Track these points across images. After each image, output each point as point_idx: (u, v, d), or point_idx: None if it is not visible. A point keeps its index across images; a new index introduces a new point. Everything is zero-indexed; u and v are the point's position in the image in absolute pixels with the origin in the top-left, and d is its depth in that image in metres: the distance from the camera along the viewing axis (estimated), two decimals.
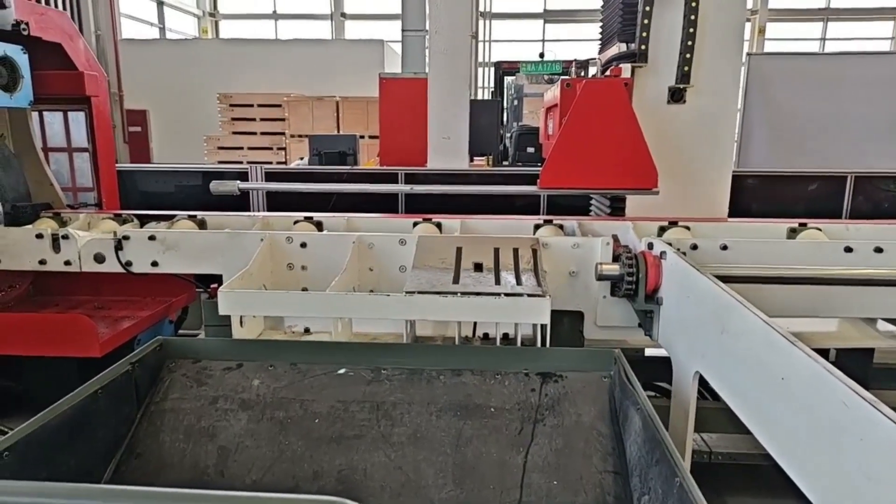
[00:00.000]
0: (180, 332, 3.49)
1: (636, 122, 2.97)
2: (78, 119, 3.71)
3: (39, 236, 2.72)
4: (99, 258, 2.66)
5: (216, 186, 3.74)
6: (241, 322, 2.25)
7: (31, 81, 3.03)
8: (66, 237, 2.69)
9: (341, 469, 1.88)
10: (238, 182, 3.73)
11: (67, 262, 2.70)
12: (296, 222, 2.88)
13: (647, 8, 3.06)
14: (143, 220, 3.01)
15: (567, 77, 3.34)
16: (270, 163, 11.66)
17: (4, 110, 3.30)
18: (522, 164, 7.95)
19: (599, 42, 3.80)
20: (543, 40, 21.41)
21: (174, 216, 2.95)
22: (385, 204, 5.19)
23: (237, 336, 2.25)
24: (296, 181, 5.66)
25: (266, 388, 2.08)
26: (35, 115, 3.57)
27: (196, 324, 3.66)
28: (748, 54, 9.53)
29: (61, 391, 1.85)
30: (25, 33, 2.95)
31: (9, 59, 2.84)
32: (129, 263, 2.64)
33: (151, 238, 2.62)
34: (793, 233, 2.70)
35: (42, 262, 2.73)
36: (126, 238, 2.63)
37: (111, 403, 1.92)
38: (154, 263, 2.63)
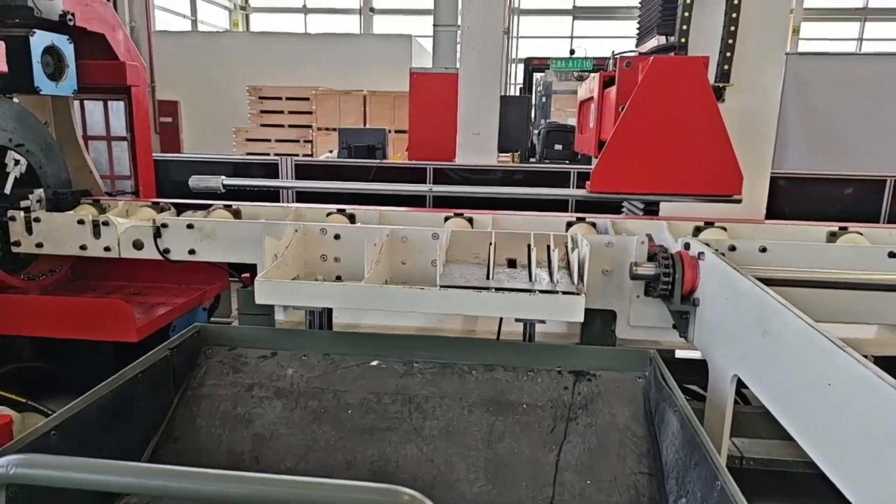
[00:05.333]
0: (212, 319, 3.54)
1: (718, 111, 2.50)
2: (117, 108, 3.77)
3: (81, 222, 2.77)
4: (138, 245, 2.71)
5: (196, 182, 3.35)
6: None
7: (76, 71, 3.09)
8: (106, 223, 2.74)
9: (374, 460, 1.90)
10: (222, 177, 3.39)
11: (107, 248, 2.76)
12: (329, 214, 2.90)
13: (689, 0, 2.97)
14: (180, 209, 3.05)
15: (627, 55, 2.83)
16: (297, 155, 11.76)
17: (48, 99, 3.37)
18: (550, 162, 7.91)
19: (637, 34, 3.74)
20: (572, 37, 21.26)
21: (210, 205, 2.99)
22: (412, 196, 5.18)
23: (281, 319, 2.27)
24: (325, 174, 5.70)
25: (300, 378, 2.11)
26: (76, 103, 3.64)
27: (225, 312, 3.71)
28: (784, 54, 9.34)
29: (98, 374, 1.90)
30: (71, 23, 3.00)
31: (55, 48, 2.90)
32: (167, 251, 2.69)
33: (189, 226, 2.65)
34: (833, 236, 2.65)
35: (83, 248, 2.78)
36: (165, 226, 2.67)
37: (150, 387, 1.96)
38: (191, 251, 2.67)
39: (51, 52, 2.89)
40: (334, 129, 10.84)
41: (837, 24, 20.61)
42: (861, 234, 2.56)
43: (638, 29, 3.75)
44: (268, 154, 11.72)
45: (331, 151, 9.72)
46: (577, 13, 21.60)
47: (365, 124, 11.86)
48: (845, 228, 2.60)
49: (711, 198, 2.68)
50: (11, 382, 2.70)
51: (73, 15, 2.99)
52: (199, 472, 0.97)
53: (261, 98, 12.75)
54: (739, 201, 2.69)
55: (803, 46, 19.24)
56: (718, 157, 2.59)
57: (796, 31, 19.36)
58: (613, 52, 3.16)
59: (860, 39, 20.57)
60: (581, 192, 2.82)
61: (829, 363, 1.29)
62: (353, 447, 1.93)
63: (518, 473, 1.83)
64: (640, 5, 3.71)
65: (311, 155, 12.02)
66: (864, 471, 1.17)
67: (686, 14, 3.03)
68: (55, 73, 2.94)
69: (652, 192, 2.78)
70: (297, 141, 12.62)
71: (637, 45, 3.75)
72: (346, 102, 12.29)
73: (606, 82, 3.10)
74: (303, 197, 4.86)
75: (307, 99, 12.46)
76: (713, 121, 2.54)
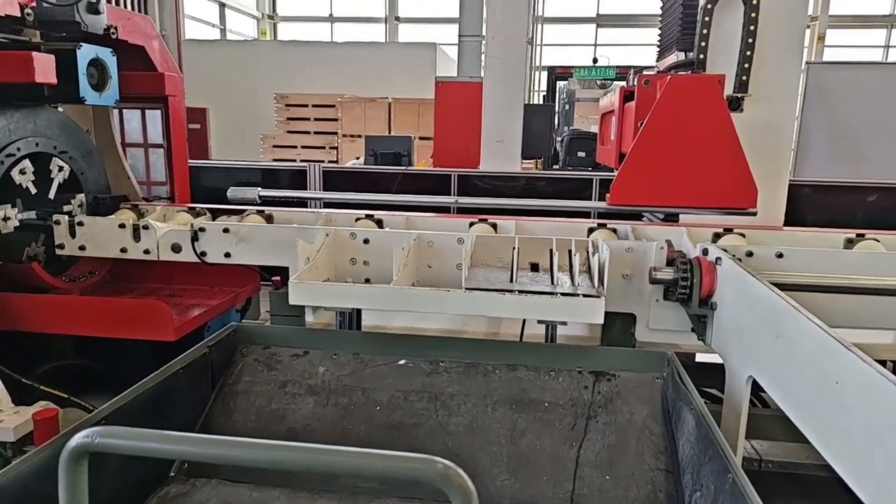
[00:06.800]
0: (243, 321, 3.66)
1: (733, 128, 2.60)
2: (154, 117, 3.94)
3: (122, 226, 2.91)
4: (176, 248, 2.84)
5: (234, 193, 3.61)
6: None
7: (118, 81, 3.25)
8: (146, 227, 2.87)
9: None
10: (259, 189, 3.65)
11: (146, 251, 2.89)
12: (357, 219, 3.00)
13: (707, 18, 3.02)
14: (215, 214, 3.18)
15: (647, 73, 2.94)
16: (323, 161, 11.94)
17: (89, 108, 3.53)
18: (573, 169, 7.97)
19: (657, 50, 3.81)
20: (595, 45, 21.26)
21: (244, 210, 3.11)
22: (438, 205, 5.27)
23: (310, 320, 2.37)
24: (353, 180, 5.83)
25: (331, 376, 2.21)
26: (115, 111, 3.80)
27: (255, 314, 3.84)
28: (807, 63, 9.28)
29: (136, 372, 2.02)
30: (114, 37, 3.16)
31: (100, 60, 3.05)
32: (203, 254, 2.81)
33: (225, 231, 2.78)
34: (850, 243, 2.67)
35: (123, 251, 2.92)
36: (202, 230, 2.80)
37: (190, 383, 2.08)
38: (227, 255, 2.79)
39: (95, 64, 3.04)
40: (359, 136, 11.03)
41: (864, 32, 20.32)
42: (878, 241, 2.59)
43: (658, 45, 3.82)
44: (294, 160, 11.93)
45: (357, 158, 9.89)
46: (601, 21, 21.60)
47: (390, 131, 12.03)
48: (862, 235, 2.63)
49: (727, 210, 2.75)
50: (54, 379, 2.83)
51: (115, 29, 3.14)
52: (255, 443, 1.09)
53: (288, 105, 13.00)
54: (755, 214, 2.76)
55: (829, 54, 18.98)
56: (734, 172, 2.67)
57: (822, 38, 19.08)
58: (632, 69, 3.21)
59: (887, 47, 20.25)
60: (601, 205, 2.91)
61: (838, 364, 1.35)
62: (382, 442, 2.02)
63: (540, 468, 1.90)
64: (660, 21, 3.77)
65: (337, 161, 12.21)
66: (874, 470, 1.20)
67: (704, 31, 3.07)
68: (99, 84, 3.08)
69: (670, 205, 2.87)
70: (323, 147, 12.83)
71: (657, 61, 3.81)
72: (372, 110, 12.47)
73: (627, 96, 3.16)
74: (330, 206, 4.99)
75: (333, 106, 12.68)
76: (728, 137, 2.62)
